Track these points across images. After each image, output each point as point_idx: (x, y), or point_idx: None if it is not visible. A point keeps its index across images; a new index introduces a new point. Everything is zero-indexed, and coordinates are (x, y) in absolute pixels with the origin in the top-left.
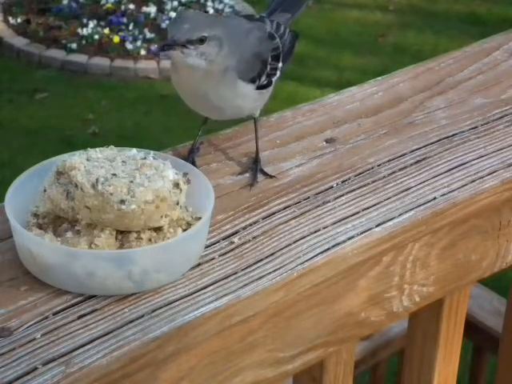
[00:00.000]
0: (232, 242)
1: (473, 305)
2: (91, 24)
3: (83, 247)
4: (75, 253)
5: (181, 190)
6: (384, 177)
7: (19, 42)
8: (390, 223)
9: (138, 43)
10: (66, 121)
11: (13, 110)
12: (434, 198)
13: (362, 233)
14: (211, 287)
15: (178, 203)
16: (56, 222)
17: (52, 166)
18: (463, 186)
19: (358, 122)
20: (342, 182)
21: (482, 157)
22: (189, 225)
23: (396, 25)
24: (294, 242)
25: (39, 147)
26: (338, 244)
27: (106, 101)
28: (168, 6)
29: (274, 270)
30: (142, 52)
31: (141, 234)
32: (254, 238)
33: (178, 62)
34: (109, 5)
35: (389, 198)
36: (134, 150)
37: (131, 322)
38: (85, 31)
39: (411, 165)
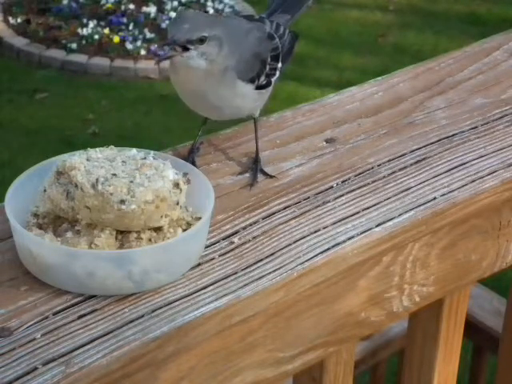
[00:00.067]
0: (232, 242)
1: (473, 305)
2: (91, 24)
3: (83, 247)
4: (75, 253)
5: (181, 189)
6: (384, 177)
7: (19, 41)
8: (389, 223)
9: (138, 43)
10: (66, 121)
11: (13, 109)
12: (434, 198)
13: (362, 233)
14: (211, 287)
15: (178, 203)
16: (56, 222)
17: (52, 166)
18: (463, 185)
19: (358, 121)
20: (342, 182)
21: (482, 157)
22: (189, 225)
23: (396, 25)
24: (294, 242)
25: (39, 147)
26: (337, 244)
27: (106, 101)
28: (168, 6)
29: (274, 270)
30: (142, 52)
31: (141, 233)
32: (254, 238)
33: (178, 63)
34: (109, 5)
35: (389, 198)
36: (134, 150)
37: (131, 322)
38: (85, 31)
39: (411, 165)
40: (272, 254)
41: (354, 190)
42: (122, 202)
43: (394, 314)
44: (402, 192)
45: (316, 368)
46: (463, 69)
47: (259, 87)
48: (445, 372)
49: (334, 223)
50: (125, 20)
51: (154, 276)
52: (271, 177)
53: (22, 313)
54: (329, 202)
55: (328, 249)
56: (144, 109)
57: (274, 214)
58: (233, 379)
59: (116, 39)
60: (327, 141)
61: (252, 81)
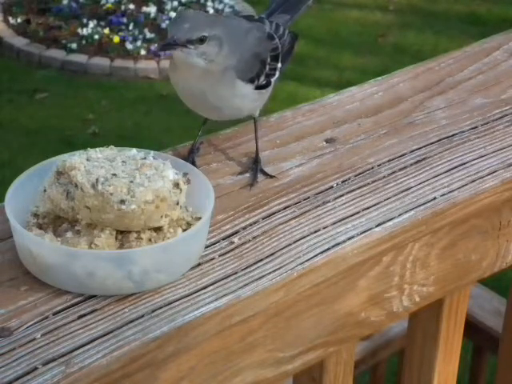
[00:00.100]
0: (232, 242)
1: (473, 305)
2: (91, 24)
3: (83, 247)
4: (75, 253)
5: (181, 189)
6: (384, 177)
7: (19, 41)
8: (389, 223)
9: (138, 43)
10: (66, 121)
11: (13, 109)
12: (434, 198)
13: (362, 233)
14: (211, 287)
15: (178, 203)
16: (56, 222)
17: (52, 166)
18: (463, 185)
19: (358, 121)
20: (342, 182)
21: (482, 157)
22: (189, 225)
23: (396, 25)
24: (294, 242)
25: (39, 147)
26: (337, 244)
27: (106, 101)
28: (168, 6)
29: (274, 270)
30: (142, 52)
31: (141, 233)
32: (254, 238)
33: (179, 62)
34: (109, 5)
35: (389, 198)
36: (134, 150)
37: (131, 322)
38: (85, 31)
39: (411, 165)
40: (272, 254)
41: (353, 190)
42: (122, 202)
43: (394, 314)
44: (402, 192)
45: (316, 368)
46: (463, 69)
47: (259, 87)
48: (445, 372)
49: (334, 223)
50: (125, 20)
51: (153, 276)
52: (271, 177)
53: (21, 313)
54: (329, 201)
55: (328, 249)
56: (144, 109)
57: (273, 214)
58: (233, 379)
59: (116, 39)
60: (327, 141)
61: (252, 81)
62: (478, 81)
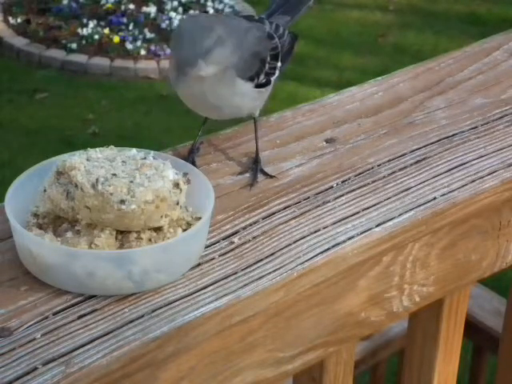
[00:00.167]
0: (232, 242)
1: (473, 305)
2: (91, 24)
3: (83, 247)
4: (75, 253)
5: (181, 189)
6: (384, 177)
7: (19, 41)
8: (390, 223)
9: (138, 43)
10: (66, 121)
11: (13, 109)
12: (434, 198)
13: (362, 233)
14: (211, 287)
15: (178, 203)
16: (56, 222)
17: (52, 166)
18: (463, 185)
19: (358, 121)
20: (342, 182)
21: (482, 157)
22: (189, 225)
23: (396, 25)
24: (294, 242)
25: (39, 147)
26: (338, 244)
27: (106, 101)
28: (168, 6)
29: (274, 270)
30: (142, 52)
31: (141, 233)
32: (254, 238)
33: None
34: (109, 5)
35: (389, 198)
36: (134, 150)
37: (131, 321)
38: (85, 31)
39: (411, 165)
40: (272, 254)
41: (354, 190)
42: (122, 202)
43: (394, 314)
44: (402, 192)
45: (316, 368)
46: (463, 69)
47: (259, 86)
48: (445, 372)
49: (334, 223)
50: (125, 20)
51: (153, 276)
52: (271, 177)
53: (22, 313)
54: (329, 201)
55: (328, 249)
56: (144, 109)
57: (273, 213)
58: (233, 379)
59: (116, 39)
60: (327, 141)
61: (251, 79)
62: (478, 81)
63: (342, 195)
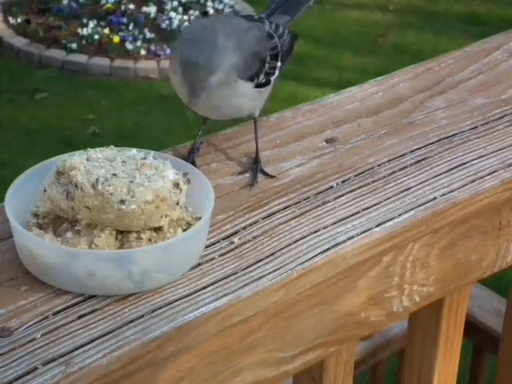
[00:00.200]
0: (232, 242)
1: (473, 305)
2: (91, 24)
3: (83, 247)
4: (75, 253)
5: (181, 189)
6: (384, 177)
7: (19, 41)
8: (389, 223)
9: (138, 43)
10: (66, 121)
11: (13, 109)
12: (434, 198)
13: (362, 233)
14: (211, 287)
15: (178, 203)
16: (56, 222)
17: (52, 166)
18: (463, 185)
19: (358, 121)
20: (342, 182)
21: (482, 157)
22: (189, 225)
23: (396, 25)
24: (294, 242)
25: (39, 147)
26: (338, 244)
27: (106, 101)
28: (168, 6)
29: (274, 270)
30: (142, 52)
31: (141, 233)
32: (254, 237)
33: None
34: (109, 5)
35: (389, 198)
36: (134, 150)
37: (131, 321)
38: (85, 31)
39: (411, 165)
40: (272, 254)
41: (354, 190)
42: (122, 202)
43: (394, 314)
44: (402, 192)
45: (316, 368)
46: (463, 69)
47: (258, 85)
48: (445, 372)
49: (334, 223)
50: (125, 20)
51: (154, 276)
52: (271, 177)
53: (22, 313)
54: (329, 201)
55: (328, 249)
56: (144, 109)
57: (274, 213)
58: (233, 379)
59: (116, 39)
60: (327, 141)
61: (251, 79)
62: (478, 81)
63: (342, 195)
